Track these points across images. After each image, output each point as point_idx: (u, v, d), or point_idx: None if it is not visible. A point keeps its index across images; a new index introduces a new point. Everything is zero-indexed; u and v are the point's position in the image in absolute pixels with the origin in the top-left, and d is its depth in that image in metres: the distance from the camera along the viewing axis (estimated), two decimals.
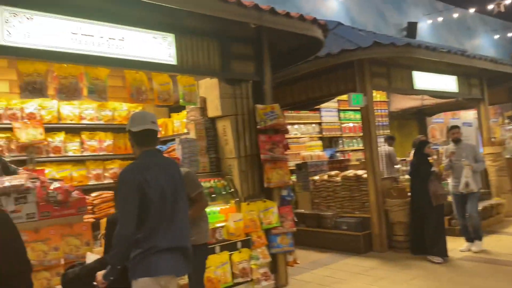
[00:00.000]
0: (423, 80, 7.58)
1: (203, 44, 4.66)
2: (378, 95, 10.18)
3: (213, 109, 5.14)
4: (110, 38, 3.93)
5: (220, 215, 4.87)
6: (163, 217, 2.49)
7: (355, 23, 12.14)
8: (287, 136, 9.01)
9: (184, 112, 5.68)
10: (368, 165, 6.64)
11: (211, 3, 3.99)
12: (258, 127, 5.14)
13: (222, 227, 4.72)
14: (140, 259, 2.45)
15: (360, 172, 7.00)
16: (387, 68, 7.11)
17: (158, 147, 5.60)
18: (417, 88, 7.52)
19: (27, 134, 5.29)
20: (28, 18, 3.46)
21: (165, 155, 5.28)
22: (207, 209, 4.65)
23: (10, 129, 5.20)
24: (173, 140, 5.51)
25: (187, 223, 2.68)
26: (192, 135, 5.15)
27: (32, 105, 5.46)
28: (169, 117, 6.28)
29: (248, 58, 5.16)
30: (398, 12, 14.39)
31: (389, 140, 8.62)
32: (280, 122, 5.19)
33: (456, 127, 6.49)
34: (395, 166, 8.24)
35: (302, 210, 7.63)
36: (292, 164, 8.58)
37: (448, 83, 8.09)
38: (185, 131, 5.50)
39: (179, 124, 5.90)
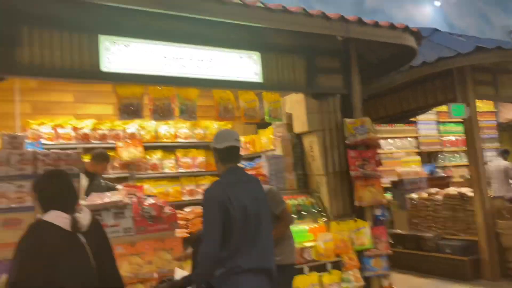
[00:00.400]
0: None
1: (288, 60, 4.62)
2: (483, 105, 9.26)
3: (300, 125, 5.06)
4: (199, 60, 4.08)
5: (309, 234, 4.72)
6: (246, 236, 2.45)
7: (454, 29, 11.30)
8: (380, 151, 8.62)
9: (271, 129, 5.68)
10: (474, 182, 5.98)
11: (295, 19, 3.95)
12: (347, 142, 4.93)
13: (311, 247, 4.56)
14: (224, 279, 2.42)
15: (464, 190, 6.34)
16: (493, 75, 6.41)
17: (247, 163, 5.73)
18: None
19: (128, 152, 5.72)
20: (125, 45, 3.74)
21: (253, 171, 5.32)
22: (295, 228, 4.56)
23: (114, 148, 5.67)
24: (260, 156, 5.53)
25: (271, 243, 2.61)
26: (279, 151, 5.11)
27: (133, 126, 5.91)
28: (257, 133, 6.33)
29: (335, 71, 5.00)
30: (504, 13, 13.05)
31: (504, 154, 7.74)
32: (371, 137, 4.92)
33: None
34: None
35: (399, 231, 7.11)
36: (386, 181, 8.11)
37: None
38: (272, 147, 5.49)
39: (266, 140, 5.91)
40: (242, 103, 4.46)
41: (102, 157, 4.88)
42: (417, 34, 4.78)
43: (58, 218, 2.06)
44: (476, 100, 6.22)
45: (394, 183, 7.76)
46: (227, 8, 3.58)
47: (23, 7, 3.30)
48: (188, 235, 4.89)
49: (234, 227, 2.41)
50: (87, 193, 4.11)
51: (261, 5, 3.71)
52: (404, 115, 7.50)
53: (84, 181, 4.64)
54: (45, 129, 5.31)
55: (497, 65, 6.27)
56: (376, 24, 4.38)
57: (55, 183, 2.22)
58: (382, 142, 8.90)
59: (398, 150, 8.93)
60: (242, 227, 2.43)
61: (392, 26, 4.46)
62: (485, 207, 5.84)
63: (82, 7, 3.42)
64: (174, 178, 6.17)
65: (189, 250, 3.43)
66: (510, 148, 9.38)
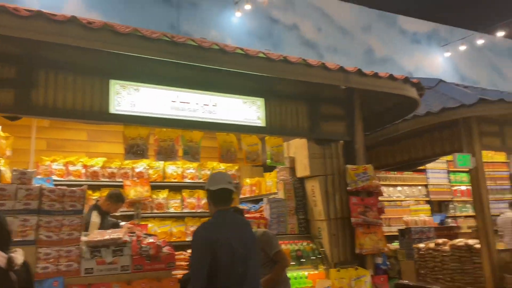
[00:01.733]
0: None
1: (292, 106, 4.79)
2: (496, 156, 9.18)
3: (302, 169, 5.14)
4: (204, 104, 4.28)
5: (308, 281, 4.67)
6: (233, 278, 2.49)
7: (466, 80, 11.41)
8: (388, 198, 8.57)
9: (276, 172, 5.77)
10: (481, 234, 5.86)
11: (296, 68, 4.14)
12: (348, 188, 4.97)
13: None
14: None
15: (471, 241, 6.20)
16: (500, 126, 6.43)
17: (251, 206, 5.78)
18: None
19: (135, 191, 5.85)
20: (135, 89, 3.97)
21: (256, 214, 5.36)
22: (294, 273, 4.55)
23: (122, 187, 5.81)
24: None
25: (259, 286, 2.64)
26: (281, 195, 5.17)
27: (141, 165, 6.09)
28: (263, 176, 6.42)
29: (339, 118, 5.13)
30: None
31: None
32: (373, 184, 4.96)
33: None
34: None
35: (406, 281, 6.92)
36: (394, 229, 8.02)
37: None
38: (276, 190, 5.55)
39: (271, 183, 5.99)
40: (245, 146, 4.61)
41: (118, 198, 5.06)
42: (418, 85, 4.91)
43: None
44: (484, 150, 6.22)
45: (401, 232, 7.64)
46: (230, 58, 3.80)
47: (42, 52, 3.58)
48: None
49: (220, 268, 2.46)
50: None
51: (263, 56, 3.92)
52: (412, 163, 7.50)
53: (96, 219, 4.78)
54: (57, 165, 5.52)
55: (503, 117, 6.30)
56: (376, 75, 4.54)
57: None
58: (390, 189, 8.86)
59: (407, 198, 8.86)
60: (228, 269, 2.48)
61: (391, 77, 4.61)
62: (493, 260, 5.68)
63: (96, 53, 3.68)
64: (179, 218, 6.25)
65: None
66: None
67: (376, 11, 10.78)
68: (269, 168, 6.21)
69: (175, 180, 6.32)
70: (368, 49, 10.06)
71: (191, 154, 4.29)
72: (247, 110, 4.51)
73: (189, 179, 6.43)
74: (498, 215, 7.74)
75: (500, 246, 6.89)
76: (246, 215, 5.18)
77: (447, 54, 11.79)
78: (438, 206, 9.29)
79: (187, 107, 4.20)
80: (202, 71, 4.11)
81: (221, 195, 2.72)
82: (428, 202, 9.07)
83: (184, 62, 3.72)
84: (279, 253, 3.51)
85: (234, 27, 9.51)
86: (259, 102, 4.58)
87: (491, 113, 5.86)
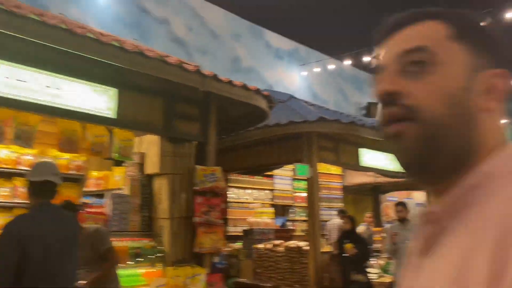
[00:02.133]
0: (369, 157, 7.82)
1: (147, 101, 4.68)
2: (333, 168, 10.37)
3: (152, 166, 5.07)
4: (46, 86, 3.90)
5: (142, 279, 4.61)
6: (45, 276, 2.32)
7: (317, 98, 12.67)
8: (237, 199, 9.01)
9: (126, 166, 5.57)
10: (310, 237, 6.58)
11: (152, 63, 4.07)
12: (195, 188, 5.06)
13: None
14: None
15: (302, 243, 6.91)
16: (335, 143, 7.32)
17: (96, 200, 5.46)
18: (364, 165, 7.73)
19: None
20: None
21: (100, 209, 5.09)
22: (129, 271, 4.45)
23: None
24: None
25: (73, 284, 2.51)
26: (126, 191, 5.01)
27: None
28: (111, 170, 6.13)
29: (194, 119, 5.20)
30: (358, 91, 15.18)
31: (341, 213, 8.69)
32: (219, 185, 5.15)
33: (401, 204, 5.97)
34: None
35: (243, 280, 7.34)
36: (240, 229, 8.45)
37: (393, 163, 8.33)
38: (123, 186, 5.36)
39: (120, 178, 5.75)
40: (90, 137, 4.34)
41: None
42: (269, 97, 5.28)
43: None
44: (320, 163, 7.00)
45: (245, 232, 8.10)
46: (79, 40, 3.55)
47: None
48: None
49: (30, 266, 2.27)
50: None
51: (116, 44, 3.76)
52: (262, 169, 8.03)
53: None
54: None
55: (339, 135, 7.18)
56: (230, 83, 4.74)
57: None
58: (240, 191, 9.34)
59: (255, 200, 9.42)
60: (40, 266, 2.31)
61: (244, 87, 4.87)
62: (317, 261, 6.42)
63: None
64: (7, 208, 5.56)
65: None
66: (352, 210, 10.61)
67: (246, 21, 11.29)
68: (120, 162, 5.96)
69: (7, 166, 5.61)
70: (235, 57, 10.48)
71: (24, 139, 3.87)
72: (96, 99, 4.25)
73: (25, 166, 5.77)
74: (327, 221, 8.79)
75: (327, 249, 7.83)
76: (87, 210, 4.90)
77: (304, 73, 12.99)
78: (282, 210, 10.11)
79: (24, 86, 3.77)
80: (46, 49, 3.74)
81: (43, 187, 2.52)
82: (273, 205, 9.80)
83: (23, 37, 3.34)
84: (110, 251, 3.41)
85: (99, 9, 8.92)
86: (111, 92, 4.36)
87: (329, 130, 6.63)
